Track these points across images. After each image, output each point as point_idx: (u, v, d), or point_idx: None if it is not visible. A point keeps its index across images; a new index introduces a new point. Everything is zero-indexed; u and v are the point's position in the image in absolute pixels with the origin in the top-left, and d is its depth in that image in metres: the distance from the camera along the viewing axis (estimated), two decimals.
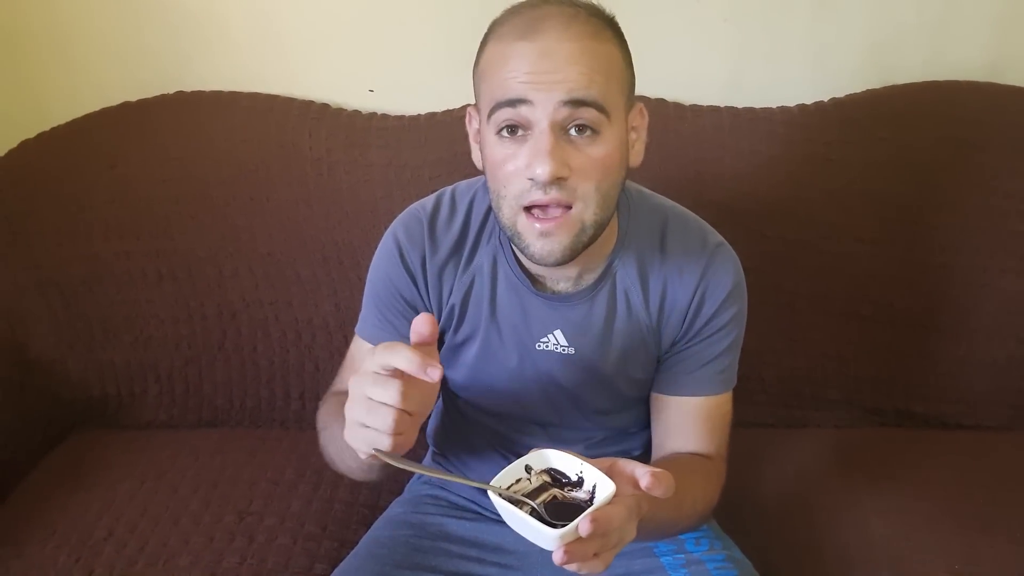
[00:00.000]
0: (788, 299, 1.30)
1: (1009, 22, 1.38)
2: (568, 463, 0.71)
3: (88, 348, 1.30)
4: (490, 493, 0.68)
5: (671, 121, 1.32)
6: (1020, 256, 1.27)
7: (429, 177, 1.28)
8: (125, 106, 1.35)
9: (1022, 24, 1.38)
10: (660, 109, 1.33)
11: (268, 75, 1.39)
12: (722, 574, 0.89)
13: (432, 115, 1.35)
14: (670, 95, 1.35)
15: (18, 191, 1.30)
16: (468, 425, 1.01)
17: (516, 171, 0.77)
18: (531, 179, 0.76)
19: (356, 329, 0.97)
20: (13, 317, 1.28)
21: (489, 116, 0.78)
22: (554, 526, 0.64)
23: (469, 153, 0.89)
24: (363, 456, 0.69)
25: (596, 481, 0.69)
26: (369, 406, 0.67)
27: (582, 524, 0.63)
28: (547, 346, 0.91)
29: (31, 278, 1.28)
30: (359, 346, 0.96)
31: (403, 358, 0.65)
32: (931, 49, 1.38)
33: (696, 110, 1.34)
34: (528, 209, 0.78)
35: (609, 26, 0.80)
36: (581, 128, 0.76)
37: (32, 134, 1.34)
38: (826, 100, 1.35)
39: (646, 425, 0.99)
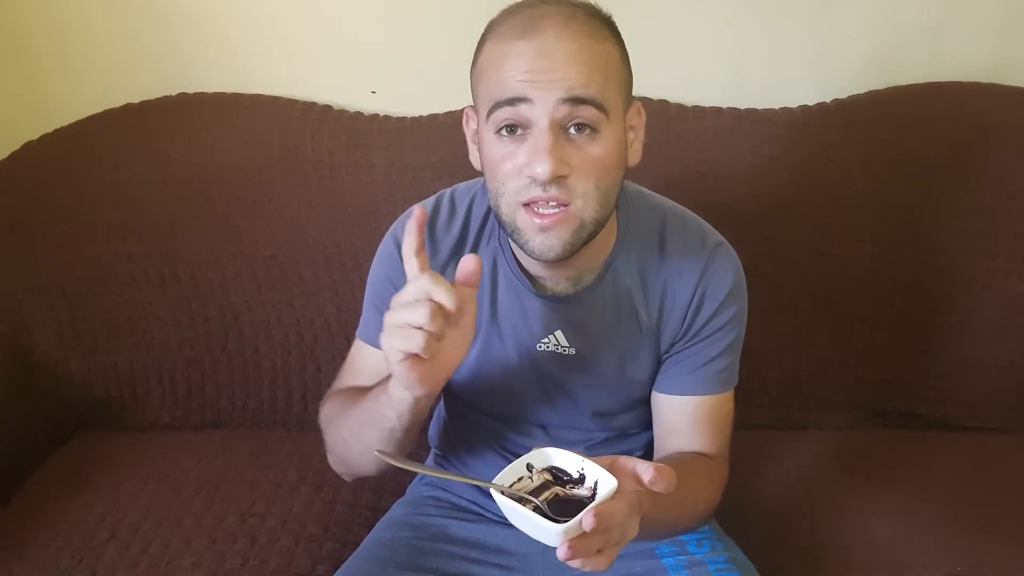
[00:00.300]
0: (790, 300, 1.30)
1: (1012, 23, 1.37)
2: (569, 460, 0.72)
3: (91, 350, 1.31)
4: (492, 491, 0.68)
5: (673, 122, 1.32)
6: (1023, 258, 1.27)
7: (431, 179, 1.28)
8: (127, 108, 1.35)
9: None
10: (662, 110, 1.33)
11: (270, 77, 1.39)
12: (724, 575, 0.89)
13: (434, 117, 1.35)
14: (672, 96, 1.35)
15: (20, 193, 1.31)
16: (469, 426, 1.01)
17: (515, 169, 0.78)
18: (531, 177, 0.77)
19: (357, 332, 0.97)
20: (16, 319, 1.28)
21: (488, 115, 0.78)
22: (557, 523, 0.64)
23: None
24: (396, 361, 0.70)
25: (598, 477, 0.69)
26: (404, 305, 0.68)
27: (585, 518, 0.63)
28: (547, 347, 0.92)
29: (34, 280, 1.28)
30: (360, 349, 0.96)
31: (444, 292, 0.67)
32: (933, 50, 1.38)
33: (698, 111, 1.34)
34: (527, 205, 0.79)
35: (606, 25, 0.80)
36: (580, 127, 0.77)
37: (35, 136, 1.35)
38: (828, 101, 1.35)
39: (647, 426, 0.99)
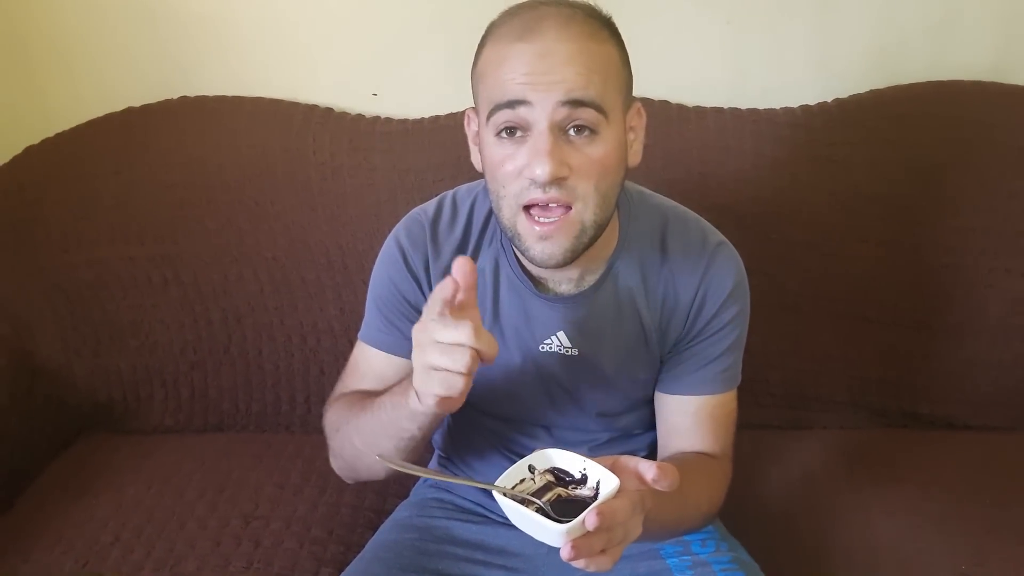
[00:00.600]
0: (793, 301, 1.30)
1: (1013, 22, 1.37)
2: (571, 461, 0.72)
3: (94, 353, 1.31)
4: (495, 493, 0.68)
5: (674, 123, 1.32)
6: None
7: (433, 181, 1.28)
8: (129, 112, 1.36)
9: None
10: (663, 111, 1.33)
11: (272, 80, 1.39)
12: (728, 575, 0.89)
13: (436, 118, 1.35)
14: (673, 97, 1.35)
15: (23, 197, 1.31)
16: (472, 428, 1.01)
17: (515, 171, 0.78)
18: (530, 179, 0.77)
19: (360, 335, 0.97)
20: (19, 323, 1.28)
21: (488, 118, 0.79)
22: (560, 523, 0.64)
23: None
24: (433, 400, 0.71)
25: (600, 477, 0.69)
26: (442, 348, 0.68)
27: (588, 518, 0.63)
28: (550, 348, 0.92)
29: (37, 284, 1.29)
30: (363, 351, 0.96)
31: (487, 344, 0.67)
32: (935, 49, 1.38)
33: (699, 112, 1.34)
34: (528, 209, 0.79)
35: (606, 26, 0.80)
36: (580, 128, 0.77)
37: (37, 140, 1.35)
38: (830, 101, 1.35)
39: (650, 426, 0.99)
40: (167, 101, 1.37)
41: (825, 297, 1.30)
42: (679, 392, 0.93)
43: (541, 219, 0.79)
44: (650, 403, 0.97)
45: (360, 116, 1.38)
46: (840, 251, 1.29)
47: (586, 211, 0.79)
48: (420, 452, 0.85)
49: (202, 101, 1.37)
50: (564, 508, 0.68)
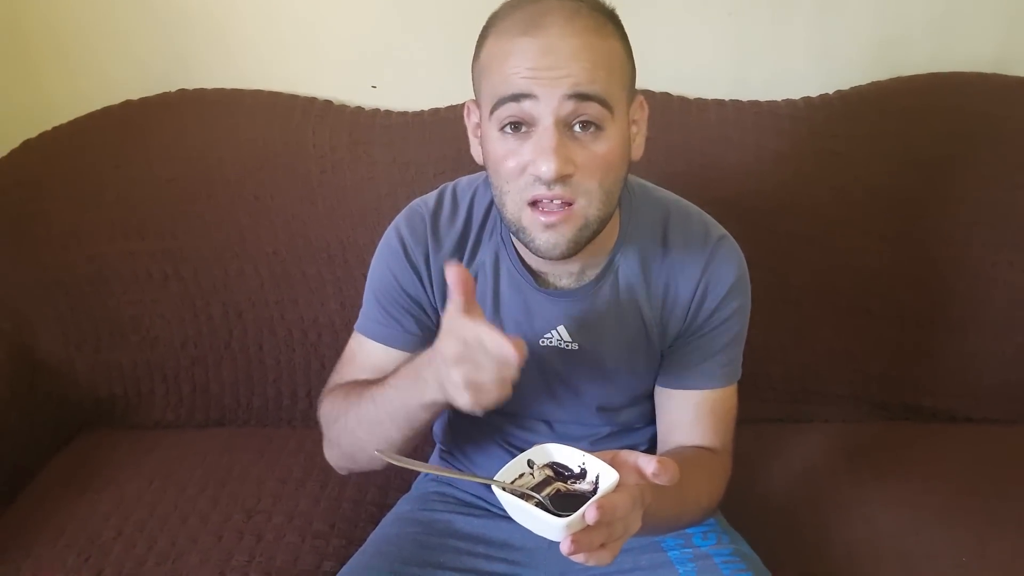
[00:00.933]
0: (795, 294, 1.29)
1: (1016, 14, 1.37)
2: (570, 456, 0.72)
3: (95, 349, 1.31)
4: (494, 488, 0.68)
5: (676, 115, 1.31)
6: None
7: (433, 174, 1.28)
8: (127, 105, 1.35)
9: None
10: (665, 103, 1.32)
11: (271, 72, 1.39)
12: (729, 568, 0.89)
13: (436, 111, 1.35)
14: (675, 89, 1.35)
15: (21, 192, 1.30)
16: (473, 422, 1.00)
17: (519, 167, 0.77)
18: (535, 176, 0.76)
19: (356, 326, 0.96)
20: (19, 319, 1.28)
21: (491, 112, 0.78)
22: (560, 517, 0.64)
23: None
24: (478, 411, 0.71)
25: (599, 472, 0.69)
26: (487, 369, 0.69)
27: (588, 512, 0.63)
28: (550, 342, 0.91)
29: (36, 280, 1.28)
30: (361, 343, 0.95)
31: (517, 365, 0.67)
32: (937, 41, 1.37)
33: (701, 104, 1.33)
34: (532, 204, 0.78)
35: (611, 20, 0.79)
36: (585, 124, 0.76)
37: (34, 134, 1.34)
38: (832, 93, 1.34)
39: (651, 420, 0.99)
40: (166, 94, 1.36)
41: (827, 290, 1.30)
42: (679, 386, 0.93)
43: (546, 209, 0.78)
44: (651, 397, 0.97)
45: (360, 109, 1.38)
46: (842, 244, 1.29)
47: (590, 207, 0.79)
48: (420, 440, 0.85)
49: (201, 94, 1.36)
50: (563, 503, 0.68)
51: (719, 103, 1.33)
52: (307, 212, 1.30)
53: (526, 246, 0.83)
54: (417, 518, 1.00)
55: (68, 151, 1.33)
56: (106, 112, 1.35)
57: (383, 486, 1.17)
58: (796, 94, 1.35)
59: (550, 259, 0.82)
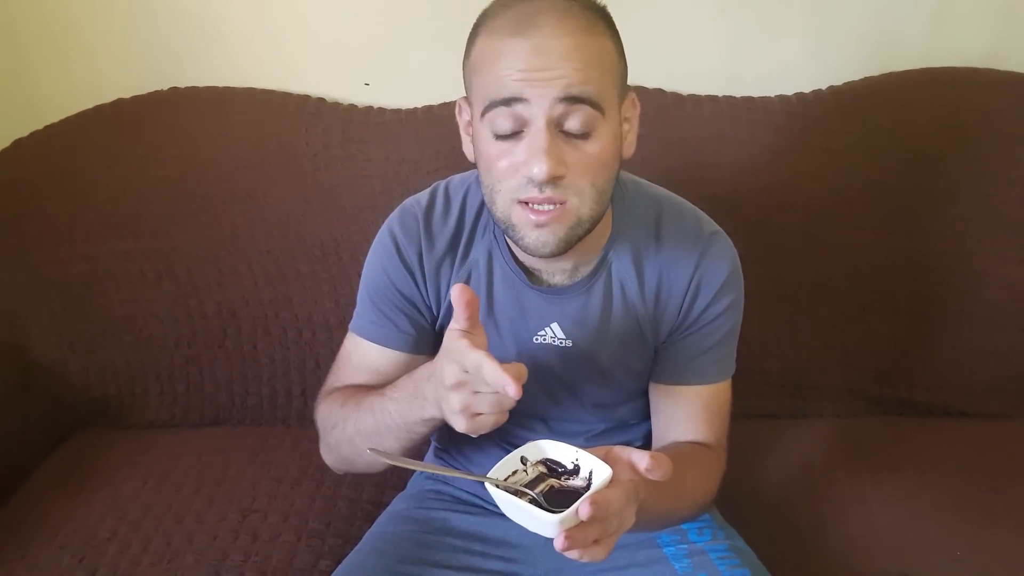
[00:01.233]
0: (789, 290, 1.30)
1: (1008, 9, 1.37)
2: (563, 452, 0.72)
3: (88, 349, 1.30)
4: (487, 485, 0.68)
5: (670, 112, 1.31)
6: (1022, 244, 1.27)
7: (427, 171, 1.28)
8: (119, 104, 1.35)
9: (1020, 10, 1.37)
10: (659, 100, 1.32)
11: (263, 70, 1.38)
12: (725, 564, 0.89)
13: (429, 108, 1.35)
14: (669, 86, 1.35)
15: (13, 192, 1.30)
16: None
17: (511, 168, 0.77)
18: (527, 177, 0.76)
19: (351, 326, 0.96)
20: (13, 319, 1.28)
21: (483, 114, 0.78)
22: (553, 514, 0.64)
23: None
24: (473, 433, 0.73)
25: (592, 467, 0.69)
26: (487, 399, 0.70)
27: (581, 507, 0.63)
28: (544, 339, 0.91)
29: (29, 280, 1.28)
30: (356, 343, 0.95)
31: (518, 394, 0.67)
32: (930, 36, 1.38)
33: (695, 100, 1.33)
34: (523, 202, 0.78)
35: (603, 18, 0.79)
36: (577, 125, 0.76)
37: (25, 133, 1.34)
38: (825, 89, 1.35)
39: (646, 416, 0.99)
40: (158, 92, 1.36)
41: (821, 286, 1.30)
42: (673, 382, 0.93)
43: (536, 207, 0.78)
44: (645, 393, 0.97)
45: (353, 106, 1.37)
46: (836, 239, 1.29)
47: (582, 206, 0.79)
48: (419, 446, 0.85)
49: (193, 92, 1.36)
50: (557, 499, 0.68)
51: (713, 99, 1.33)
52: (301, 210, 1.30)
53: (516, 244, 0.83)
54: (413, 516, 1.00)
55: (60, 150, 1.32)
56: (98, 111, 1.34)
57: (379, 484, 1.17)
58: (789, 90, 1.35)
59: (540, 257, 0.82)
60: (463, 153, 0.88)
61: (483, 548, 0.96)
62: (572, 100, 0.74)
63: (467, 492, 1.02)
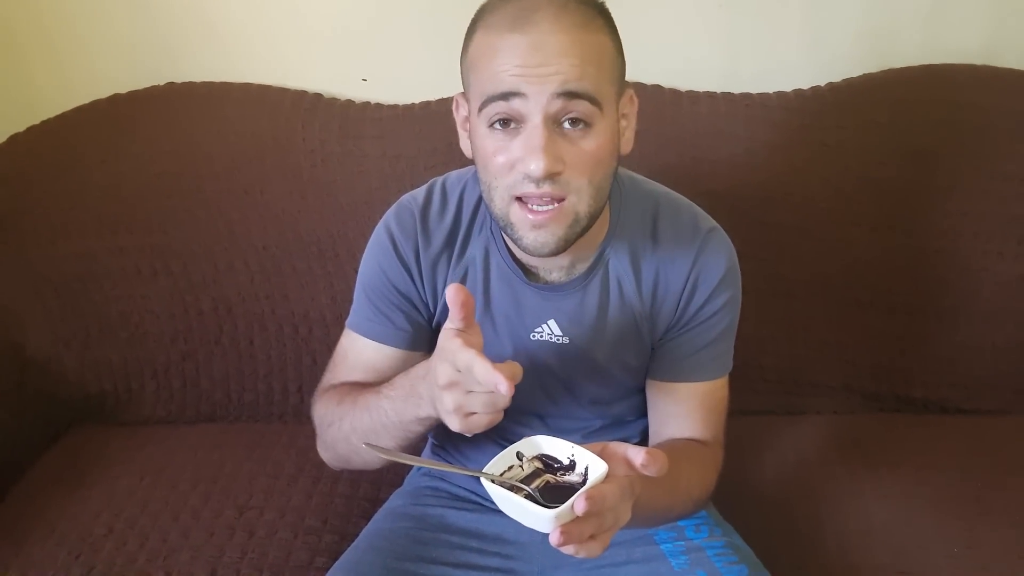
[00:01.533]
0: (786, 286, 1.30)
1: (1005, 5, 1.37)
2: (559, 448, 0.72)
3: (84, 345, 1.30)
4: (483, 480, 0.68)
5: (667, 108, 1.31)
6: (1019, 240, 1.27)
7: (424, 167, 1.28)
8: (115, 99, 1.34)
9: (1018, 6, 1.37)
10: (656, 96, 1.32)
11: (260, 66, 1.38)
12: (722, 560, 0.89)
13: (427, 104, 1.34)
14: (666, 82, 1.35)
15: (8, 187, 1.29)
16: None
17: (508, 164, 0.77)
18: (524, 173, 0.76)
19: (348, 323, 0.96)
20: (8, 316, 1.27)
21: (480, 109, 0.78)
22: (549, 509, 0.64)
23: None
24: (467, 432, 0.73)
25: (588, 463, 0.69)
26: (480, 398, 0.70)
27: (577, 503, 0.63)
28: (541, 336, 0.91)
29: (24, 276, 1.27)
30: (352, 340, 0.95)
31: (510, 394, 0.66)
32: (927, 33, 1.37)
33: (692, 96, 1.33)
34: (520, 199, 0.78)
35: (600, 14, 0.79)
36: (574, 121, 0.76)
37: (21, 128, 1.33)
38: (823, 85, 1.34)
39: (643, 413, 0.99)
40: (154, 88, 1.35)
41: (818, 282, 1.30)
42: (670, 379, 0.93)
43: (534, 207, 0.78)
44: (642, 390, 0.97)
45: (350, 102, 1.37)
46: (833, 236, 1.29)
47: (580, 203, 0.78)
48: (416, 444, 0.85)
49: (190, 88, 1.35)
50: (553, 494, 0.68)
51: (710, 95, 1.33)
52: (297, 206, 1.29)
53: (515, 243, 0.83)
54: (410, 513, 1.00)
55: (56, 145, 1.32)
56: (94, 106, 1.34)
57: (375, 481, 1.17)
58: (787, 86, 1.35)
59: (539, 256, 0.81)
60: (460, 149, 0.87)
61: (480, 545, 0.96)
62: (569, 96, 0.74)
63: (464, 489, 1.02)
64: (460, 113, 0.86)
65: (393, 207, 0.94)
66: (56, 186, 1.29)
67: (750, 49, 1.39)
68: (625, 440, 0.98)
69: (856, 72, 1.35)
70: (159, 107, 1.34)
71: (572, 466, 0.71)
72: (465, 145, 0.86)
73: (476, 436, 0.99)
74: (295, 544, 1.05)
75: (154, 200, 1.29)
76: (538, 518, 0.64)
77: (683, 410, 0.93)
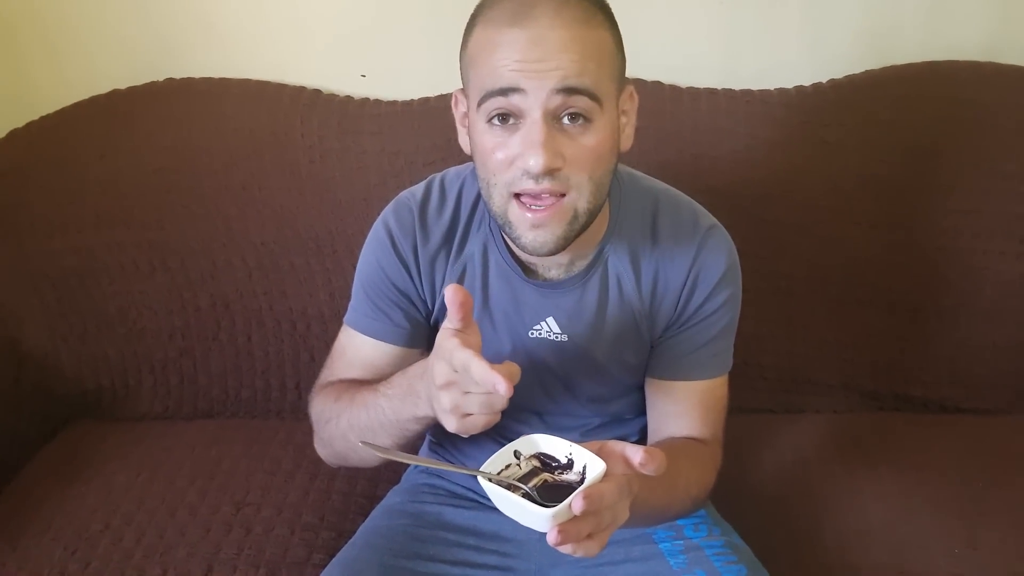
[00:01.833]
0: (786, 284, 1.29)
1: (1006, 2, 1.36)
2: (557, 446, 0.72)
3: (81, 341, 1.30)
4: (480, 479, 0.68)
5: (667, 104, 1.30)
6: (1020, 239, 1.26)
7: (423, 164, 1.27)
8: (114, 95, 1.34)
9: (1019, 3, 1.36)
10: (656, 92, 1.31)
11: (258, 62, 1.37)
12: (721, 560, 0.89)
13: (425, 100, 1.34)
14: (666, 78, 1.34)
15: (7, 182, 1.29)
16: None
17: (507, 160, 0.77)
18: (523, 169, 0.75)
19: (345, 319, 0.96)
20: (5, 311, 1.27)
21: (479, 104, 0.77)
22: (546, 508, 0.64)
23: None
24: (464, 433, 0.72)
25: (586, 462, 0.69)
26: (478, 398, 0.69)
27: (575, 502, 0.63)
28: (539, 334, 0.91)
29: (22, 271, 1.27)
30: (350, 337, 0.95)
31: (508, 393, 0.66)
32: (929, 29, 1.37)
33: (693, 93, 1.33)
34: (519, 196, 0.78)
35: (601, 10, 0.78)
36: (574, 116, 0.75)
37: (21, 124, 1.33)
38: (824, 82, 1.34)
39: (642, 411, 0.99)
40: (153, 83, 1.35)
41: (818, 280, 1.29)
42: (669, 377, 0.93)
43: (533, 206, 0.77)
44: (641, 388, 0.97)
45: (349, 98, 1.37)
46: (834, 233, 1.28)
47: (580, 200, 0.78)
48: (414, 442, 0.85)
49: (188, 83, 1.35)
50: (551, 493, 0.67)
51: (711, 92, 1.32)
52: (295, 202, 1.29)
53: (513, 242, 0.82)
54: (407, 510, 0.99)
55: (55, 140, 1.32)
56: (93, 101, 1.34)
57: (373, 478, 1.16)
58: (788, 83, 1.34)
59: (538, 256, 0.81)
60: (459, 146, 0.87)
61: (477, 542, 0.95)
62: (569, 92, 0.74)
63: (461, 486, 1.02)
64: (459, 109, 0.86)
65: (391, 204, 0.94)
66: (54, 181, 1.29)
67: (751, 45, 1.38)
68: (624, 438, 0.98)
69: (857, 69, 1.34)
70: (158, 103, 1.33)
71: (570, 465, 0.71)
72: (464, 142, 0.85)
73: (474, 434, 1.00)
74: (292, 541, 1.05)
75: (152, 196, 1.29)
76: (536, 517, 0.64)
77: (682, 408, 0.93)
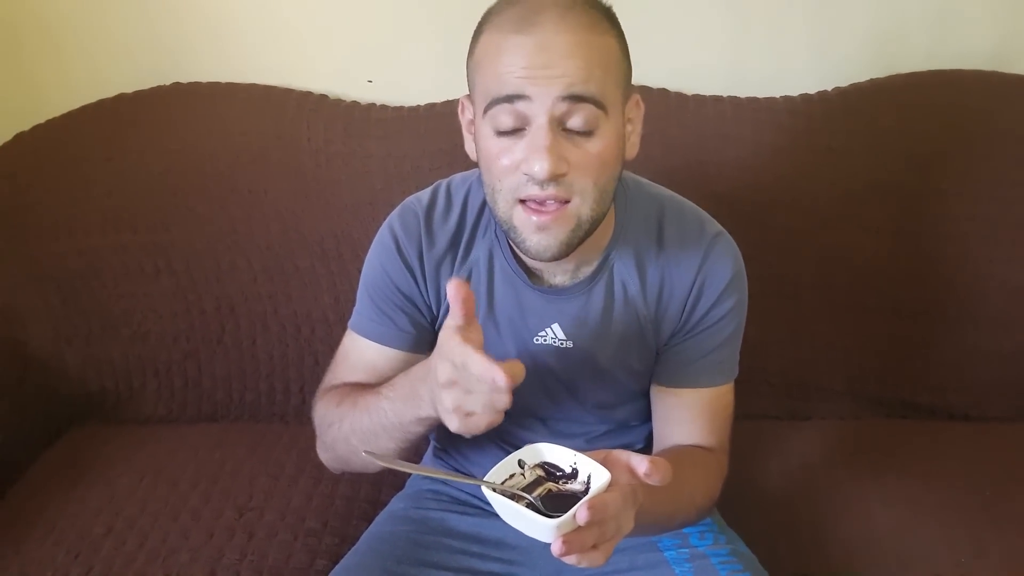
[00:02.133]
0: (792, 290, 1.29)
1: (1014, 11, 1.36)
2: (561, 455, 0.71)
3: (86, 343, 1.30)
4: (484, 489, 0.67)
5: (673, 111, 1.30)
6: None
7: (429, 169, 1.27)
8: (120, 99, 1.34)
9: None
10: (662, 99, 1.32)
11: (265, 66, 1.38)
12: (726, 568, 0.88)
13: (432, 106, 1.34)
14: (672, 85, 1.34)
15: (13, 184, 1.29)
16: None
17: (512, 165, 0.76)
18: (528, 175, 0.75)
19: (350, 323, 0.96)
20: (10, 313, 1.27)
21: (485, 111, 0.77)
22: (551, 518, 0.63)
23: None
24: (466, 433, 0.71)
25: (591, 471, 0.68)
26: (480, 398, 0.69)
27: (579, 512, 0.62)
28: (544, 340, 0.91)
29: (27, 273, 1.27)
30: (354, 341, 0.95)
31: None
32: (935, 38, 1.37)
33: (699, 100, 1.33)
34: (523, 201, 0.77)
35: (606, 17, 0.78)
36: (579, 123, 0.75)
37: (27, 126, 1.33)
38: (830, 89, 1.34)
39: (647, 418, 0.98)
40: (159, 88, 1.35)
41: (824, 286, 1.29)
42: (675, 384, 0.92)
43: (538, 209, 0.77)
44: (647, 395, 0.96)
45: (355, 103, 1.37)
46: (840, 240, 1.28)
47: (584, 206, 0.78)
48: (417, 445, 0.85)
49: (195, 88, 1.35)
50: (555, 503, 0.67)
51: (717, 99, 1.32)
52: (301, 206, 1.29)
53: (517, 247, 0.82)
54: (411, 516, 0.99)
55: (61, 144, 1.32)
56: (99, 105, 1.34)
57: (376, 483, 1.16)
58: (794, 91, 1.34)
59: (542, 260, 0.81)
60: (465, 151, 0.87)
61: (481, 549, 0.95)
62: (574, 99, 0.74)
63: (465, 493, 1.02)
64: (465, 116, 0.86)
65: (397, 209, 0.94)
66: (60, 184, 1.29)
67: (757, 53, 1.38)
68: (629, 445, 0.98)
69: (863, 77, 1.34)
70: (164, 107, 1.34)
71: (574, 474, 0.70)
72: (470, 148, 0.85)
73: (478, 439, 0.98)
74: (295, 546, 1.05)
75: (158, 199, 1.29)
76: (540, 527, 0.64)
77: (688, 416, 0.92)
